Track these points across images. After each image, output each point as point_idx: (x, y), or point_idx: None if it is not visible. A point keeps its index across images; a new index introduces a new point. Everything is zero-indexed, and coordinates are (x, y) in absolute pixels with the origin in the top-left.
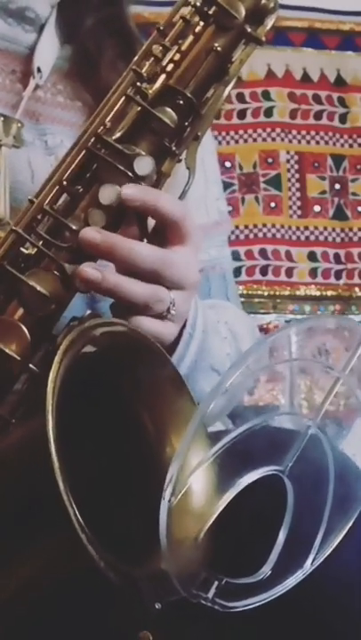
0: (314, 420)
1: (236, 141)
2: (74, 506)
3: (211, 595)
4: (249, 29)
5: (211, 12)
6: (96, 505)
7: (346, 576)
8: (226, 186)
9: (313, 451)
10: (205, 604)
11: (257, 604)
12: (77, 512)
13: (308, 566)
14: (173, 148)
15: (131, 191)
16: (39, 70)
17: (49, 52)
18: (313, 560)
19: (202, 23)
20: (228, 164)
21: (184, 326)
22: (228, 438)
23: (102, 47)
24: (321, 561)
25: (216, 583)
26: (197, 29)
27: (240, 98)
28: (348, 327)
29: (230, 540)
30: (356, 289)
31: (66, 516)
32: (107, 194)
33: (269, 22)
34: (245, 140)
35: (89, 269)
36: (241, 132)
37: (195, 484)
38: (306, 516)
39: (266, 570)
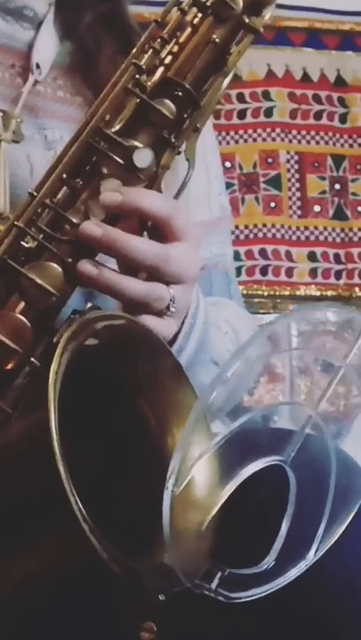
0: (315, 410)
1: (236, 141)
2: (76, 497)
3: (214, 585)
4: (247, 20)
5: (208, 4)
6: (98, 497)
7: (345, 574)
8: (226, 186)
9: (314, 441)
10: (209, 595)
11: (260, 595)
12: (80, 503)
13: (312, 557)
14: (173, 140)
15: (108, 198)
16: (38, 66)
17: (47, 48)
18: (316, 550)
19: (200, 15)
20: (228, 164)
21: (185, 318)
22: (231, 428)
23: (101, 43)
24: (324, 552)
25: (219, 574)
26: (195, 21)
27: (240, 98)
28: (350, 319)
29: (234, 530)
30: (356, 289)
31: (68, 508)
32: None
33: (267, 13)
34: (245, 140)
35: (87, 265)
36: (241, 132)
37: (197, 475)
38: (308, 506)
39: (269, 560)
